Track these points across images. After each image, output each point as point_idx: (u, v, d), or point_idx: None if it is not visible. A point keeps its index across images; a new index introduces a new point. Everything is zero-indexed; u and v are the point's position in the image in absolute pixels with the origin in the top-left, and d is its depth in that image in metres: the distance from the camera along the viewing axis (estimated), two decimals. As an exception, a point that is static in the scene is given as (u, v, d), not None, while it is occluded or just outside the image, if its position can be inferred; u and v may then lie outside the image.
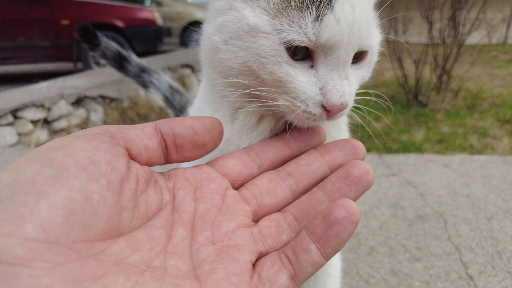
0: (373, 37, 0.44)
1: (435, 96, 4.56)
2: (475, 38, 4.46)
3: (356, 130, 0.60)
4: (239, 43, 0.40)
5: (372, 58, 0.48)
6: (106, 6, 5.52)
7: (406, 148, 3.48)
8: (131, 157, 0.32)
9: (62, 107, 3.08)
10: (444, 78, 4.54)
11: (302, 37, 0.38)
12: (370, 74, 0.51)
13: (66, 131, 3.15)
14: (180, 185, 0.34)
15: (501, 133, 3.78)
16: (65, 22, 4.99)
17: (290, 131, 0.42)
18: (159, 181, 0.33)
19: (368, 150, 3.07)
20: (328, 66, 0.40)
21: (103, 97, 3.40)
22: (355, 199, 0.34)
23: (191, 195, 0.34)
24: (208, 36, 0.44)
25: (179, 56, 4.98)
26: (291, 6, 0.39)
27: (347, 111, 0.45)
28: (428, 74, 4.63)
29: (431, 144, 3.56)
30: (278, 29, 0.38)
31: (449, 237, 1.31)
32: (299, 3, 0.38)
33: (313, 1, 0.38)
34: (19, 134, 2.82)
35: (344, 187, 0.34)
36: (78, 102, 3.22)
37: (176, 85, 1.15)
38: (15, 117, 2.79)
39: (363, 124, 0.55)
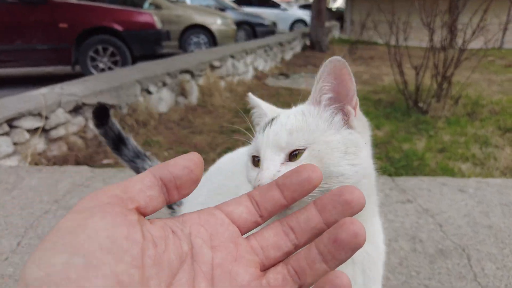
0: (297, 138, 0.55)
1: (436, 103, 4.46)
2: (473, 44, 4.35)
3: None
4: None
5: (314, 153, 0.54)
6: (105, 10, 5.34)
7: (408, 157, 3.37)
8: (140, 212, 0.32)
9: (60, 115, 2.93)
10: (445, 85, 4.43)
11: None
12: (321, 165, 0.53)
13: (64, 139, 3.01)
14: (196, 232, 0.35)
15: (502, 142, 3.68)
16: (63, 25, 4.81)
17: None
18: (175, 231, 0.34)
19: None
20: None
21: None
22: (346, 259, 0.35)
23: (208, 243, 0.35)
24: None
25: (178, 61, 4.83)
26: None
27: None
28: (428, 80, 4.53)
29: (433, 154, 3.45)
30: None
31: (475, 277, 1.20)
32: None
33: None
34: (15, 144, 2.68)
35: (334, 250, 0.34)
36: (76, 110, 3.07)
37: None
38: (11, 127, 2.64)
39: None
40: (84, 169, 1.99)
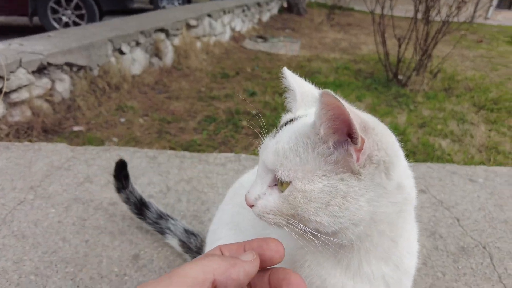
0: (281, 166, 0.49)
1: (415, 77, 4.44)
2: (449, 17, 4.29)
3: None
4: None
5: (293, 195, 0.48)
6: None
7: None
8: None
9: (21, 76, 2.52)
10: (425, 58, 4.40)
11: None
12: (291, 212, 0.49)
13: (27, 103, 2.63)
14: None
15: (477, 119, 3.76)
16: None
17: None
18: None
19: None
20: None
21: (69, 64, 2.85)
22: None
23: None
24: None
25: (152, 18, 4.35)
26: None
27: (256, 213, 0.52)
28: (410, 53, 4.48)
29: (414, 129, 3.46)
30: None
31: (500, 278, 1.17)
32: None
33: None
34: (-32, 109, 2.29)
35: None
36: (40, 70, 2.67)
37: (191, 228, 1.19)
38: (-38, 89, 2.24)
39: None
40: (63, 147, 1.71)
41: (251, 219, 0.73)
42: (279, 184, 0.50)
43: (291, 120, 0.55)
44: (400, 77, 4.53)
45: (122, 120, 3.06)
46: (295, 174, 0.48)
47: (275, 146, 0.50)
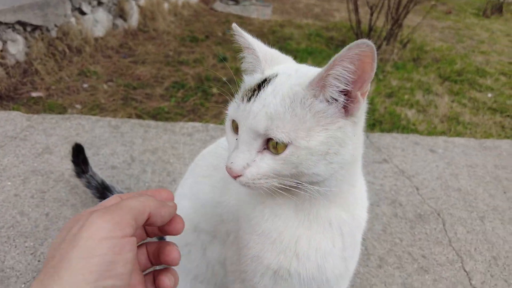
0: (278, 129, 0.48)
1: (385, 46, 4.47)
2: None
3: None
4: None
5: (296, 154, 0.49)
6: None
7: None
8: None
9: (-34, 35, 2.31)
10: (396, 28, 4.42)
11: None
12: (292, 171, 0.50)
13: (-26, 66, 2.42)
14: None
15: (442, 90, 3.89)
16: None
17: None
18: None
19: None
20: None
21: (22, 24, 2.62)
22: None
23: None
24: None
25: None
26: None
27: (244, 182, 0.51)
28: (382, 22, 4.47)
29: (382, 98, 3.54)
30: None
31: (450, 242, 1.25)
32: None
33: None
34: None
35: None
36: (-12, 29, 2.44)
37: None
38: None
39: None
40: (17, 115, 1.60)
41: (210, 187, 0.74)
42: (272, 147, 0.50)
43: (264, 81, 0.53)
44: (370, 46, 4.55)
45: (85, 85, 2.90)
46: (296, 134, 0.48)
47: (264, 110, 0.49)
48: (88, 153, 1.24)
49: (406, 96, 3.68)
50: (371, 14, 4.35)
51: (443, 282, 1.13)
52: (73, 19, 3.05)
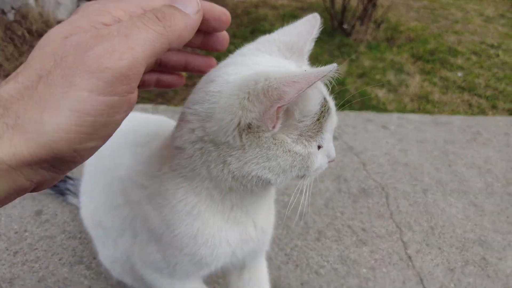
0: None
1: (359, 26, 4.45)
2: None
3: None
4: None
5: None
6: None
7: (330, 82, 3.42)
8: None
9: None
10: (370, 7, 4.40)
11: None
12: None
13: None
14: None
15: (414, 69, 3.92)
16: None
17: None
18: None
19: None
20: None
21: (-25, 5, 2.52)
22: None
23: None
24: None
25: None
26: None
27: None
28: (356, 1, 4.44)
29: (353, 79, 3.55)
30: None
31: (391, 215, 1.28)
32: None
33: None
34: None
35: None
36: None
37: None
38: None
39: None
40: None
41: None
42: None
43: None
44: (345, 26, 4.52)
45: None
46: None
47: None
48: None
49: (377, 76, 3.70)
50: (345, -7, 4.32)
51: (379, 253, 1.15)
52: (32, 1, 2.93)
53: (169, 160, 0.54)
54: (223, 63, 0.51)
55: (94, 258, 1.04)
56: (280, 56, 0.54)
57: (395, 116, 1.79)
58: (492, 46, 4.83)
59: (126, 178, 0.63)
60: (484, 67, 4.23)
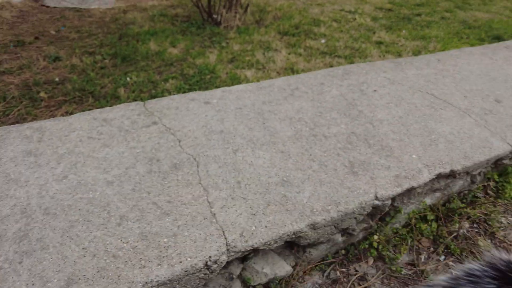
0: None
1: (227, 14, 4.57)
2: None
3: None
4: None
5: None
6: None
7: (202, 72, 3.46)
8: None
9: None
10: (232, -7, 4.53)
11: None
12: None
13: None
14: None
15: (280, 45, 4.12)
16: None
17: None
18: None
19: (137, 97, 2.89)
20: None
21: None
22: None
23: None
24: None
25: None
26: None
27: None
28: (219, -10, 4.53)
29: (224, 65, 3.63)
30: None
31: (200, 180, 1.33)
32: None
33: None
34: None
35: None
36: None
37: None
38: None
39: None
40: None
41: None
42: None
43: None
44: (214, 16, 4.60)
45: None
46: None
47: None
48: None
49: (247, 58, 3.82)
50: (206, -16, 4.38)
51: (183, 219, 1.19)
52: None
53: None
54: None
55: None
56: None
57: (219, 91, 1.86)
58: (350, 11, 5.28)
59: None
60: (343, 31, 4.60)
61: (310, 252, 1.43)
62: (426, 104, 1.84)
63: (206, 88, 3.25)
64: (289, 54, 4.00)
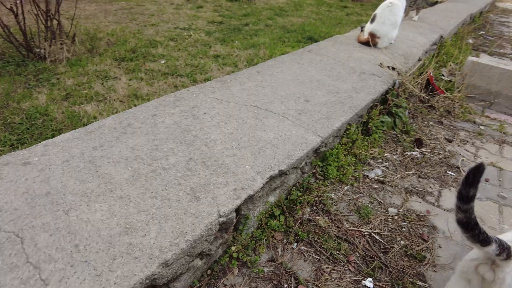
0: None
1: (51, 46, 4.14)
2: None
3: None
4: None
5: None
6: None
7: (31, 117, 3.07)
8: None
9: None
10: (51, 24, 4.12)
11: None
12: None
13: None
14: None
15: (119, 72, 3.97)
16: None
17: None
18: None
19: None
20: None
21: None
22: None
23: None
24: None
25: None
26: None
27: None
28: (33, 22, 4.05)
29: (57, 104, 3.29)
30: None
31: (28, 258, 1.19)
32: None
33: None
34: None
35: None
36: None
37: None
38: None
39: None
40: None
41: None
42: None
43: None
44: (37, 50, 4.11)
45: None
46: None
47: None
48: None
49: (84, 91, 3.55)
50: (15, 15, 3.87)
51: (11, 310, 1.05)
52: None
53: None
54: None
55: None
56: None
57: (41, 145, 1.69)
58: (184, 28, 5.45)
59: None
60: (181, 49, 4.72)
61: (174, 286, 1.44)
62: (252, 116, 2.07)
63: (41, 135, 2.90)
64: (129, 80, 3.90)
